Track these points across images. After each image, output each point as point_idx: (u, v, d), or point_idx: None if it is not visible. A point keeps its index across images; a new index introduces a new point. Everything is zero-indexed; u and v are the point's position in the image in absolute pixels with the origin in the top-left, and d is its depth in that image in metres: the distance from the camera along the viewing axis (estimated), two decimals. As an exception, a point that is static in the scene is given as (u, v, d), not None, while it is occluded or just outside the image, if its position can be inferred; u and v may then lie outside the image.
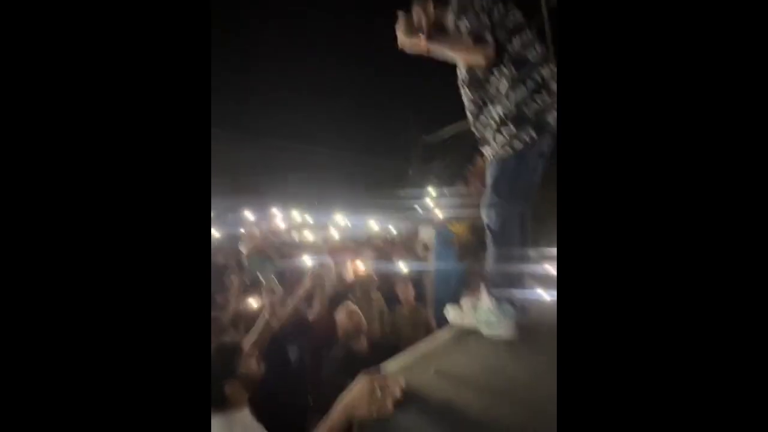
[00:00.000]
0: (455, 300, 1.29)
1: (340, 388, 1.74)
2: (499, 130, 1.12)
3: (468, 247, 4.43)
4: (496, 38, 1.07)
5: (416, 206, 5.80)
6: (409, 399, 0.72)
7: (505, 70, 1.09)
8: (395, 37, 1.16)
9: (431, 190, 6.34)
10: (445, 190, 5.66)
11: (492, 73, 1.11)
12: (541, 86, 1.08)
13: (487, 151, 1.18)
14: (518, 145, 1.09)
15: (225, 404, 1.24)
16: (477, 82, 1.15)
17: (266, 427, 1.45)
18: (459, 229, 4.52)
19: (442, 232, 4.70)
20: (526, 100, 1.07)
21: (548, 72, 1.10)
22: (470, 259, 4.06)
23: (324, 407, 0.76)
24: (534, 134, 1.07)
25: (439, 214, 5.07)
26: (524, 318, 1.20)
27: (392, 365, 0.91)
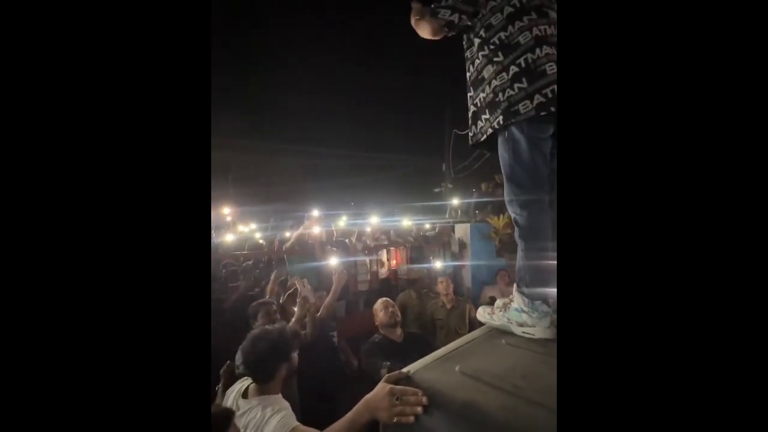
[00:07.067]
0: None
1: (375, 368, 1.91)
2: (477, 115, 1.09)
3: (508, 242, 4.23)
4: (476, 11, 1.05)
5: (452, 202, 5.69)
6: (432, 400, 0.69)
7: (492, 56, 1.04)
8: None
9: (467, 186, 6.16)
10: (482, 185, 5.49)
11: (479, 57, 1.07)
12: (525, 72, 0.99)
13: (469, 134, 1.15)
14: (490, 132, 1.04)
15: (271, 385, 1.31)
16: (469, 62, 1.13)
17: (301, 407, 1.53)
18: (498, 222, 4.36)
19: (479, 227, 4.57)
20: (504, 85, 1.00)
21: (538, 56, 0.99)
22: (509, 255, 3.90)
23: (351, 395, 0.76)
24: (502, 121, 1.00)
25: (476, 208, 4.94)
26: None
27: (417, 364, 0.87)
